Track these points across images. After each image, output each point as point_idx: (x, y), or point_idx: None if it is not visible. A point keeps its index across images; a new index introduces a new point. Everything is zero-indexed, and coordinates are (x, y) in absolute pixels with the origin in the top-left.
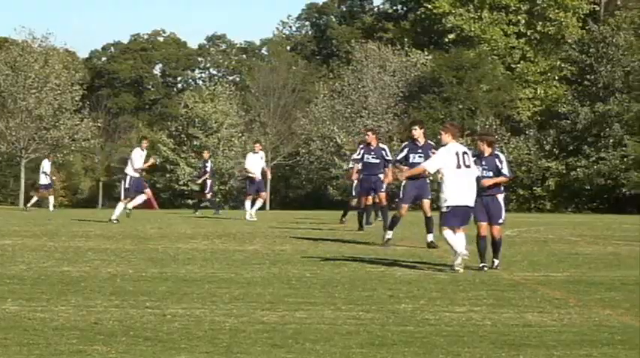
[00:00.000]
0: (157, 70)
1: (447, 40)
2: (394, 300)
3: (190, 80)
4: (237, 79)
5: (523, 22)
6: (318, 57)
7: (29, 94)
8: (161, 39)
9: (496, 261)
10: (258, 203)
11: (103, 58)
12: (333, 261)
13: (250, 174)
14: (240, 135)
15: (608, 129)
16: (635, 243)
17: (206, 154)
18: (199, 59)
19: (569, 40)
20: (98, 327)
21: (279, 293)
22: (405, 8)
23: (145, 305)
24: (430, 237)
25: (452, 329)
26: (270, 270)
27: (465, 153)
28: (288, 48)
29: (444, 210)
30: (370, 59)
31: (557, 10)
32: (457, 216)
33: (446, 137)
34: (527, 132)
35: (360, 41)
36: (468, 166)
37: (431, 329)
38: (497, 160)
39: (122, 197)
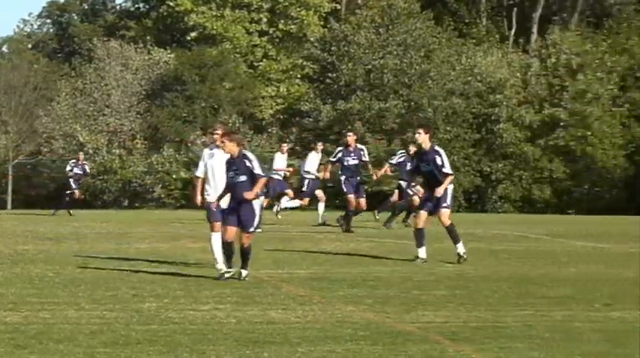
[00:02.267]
0: None
1: (189, 38)
2: (138, 299)
3: None
4: None
5: (265, 20)
6: (60, 55)
7: None
8: None
9: (244, 272)
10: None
11: None
12: (77, 261)
13: (310, 176)
14: None
15: (350, 126)
16: (377, 240)
17: (81, 156)
18: None
19: (311, 39)
20: None
21: (22, 293)
22: (147, 6)
23: None
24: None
25: (196, 328)
26: (12, 270)
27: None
28: (30, 46)
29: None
30: (112, 57)
31: (298, 9)
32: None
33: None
34: (269, 130)
35: (102, 39)
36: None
37: (175, 327)
38: (246, 161)
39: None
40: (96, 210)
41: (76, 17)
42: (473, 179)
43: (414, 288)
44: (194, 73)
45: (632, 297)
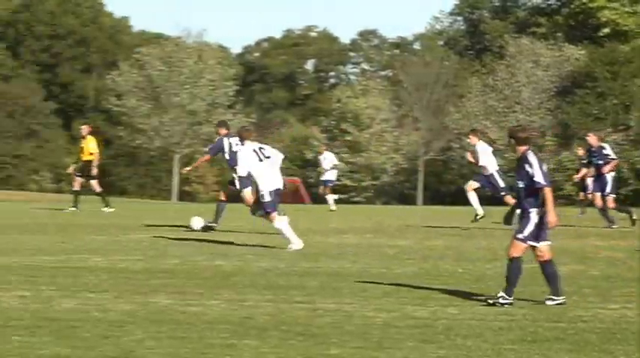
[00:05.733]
0: (308, 65)
1: (601, 34)
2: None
3: (342, 75)
4: (390, 74)
5: None
6: (470, 52)
7: (183, 90)
8: (314, 34)
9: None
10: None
11: (256, 54)
12: (485, 256)
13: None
14: (391, 130)
15: None
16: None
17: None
18: (351, 54)
19: None
20: (250, 321)
21: (429, 289)
22: (559, 3)
23: (295, 299)
24: None
25: (605, 327)
26: (421, 266)
27: (260, 148)
28: (441, 43)
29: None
30: (523, 54)
31: None
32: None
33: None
34: None
35: (513, 36)
36: (268, 157)
37: (583, 325)
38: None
39: None
40: None
41: (487, 14)
42: None
43: None
44: (605, 69)
45: None
